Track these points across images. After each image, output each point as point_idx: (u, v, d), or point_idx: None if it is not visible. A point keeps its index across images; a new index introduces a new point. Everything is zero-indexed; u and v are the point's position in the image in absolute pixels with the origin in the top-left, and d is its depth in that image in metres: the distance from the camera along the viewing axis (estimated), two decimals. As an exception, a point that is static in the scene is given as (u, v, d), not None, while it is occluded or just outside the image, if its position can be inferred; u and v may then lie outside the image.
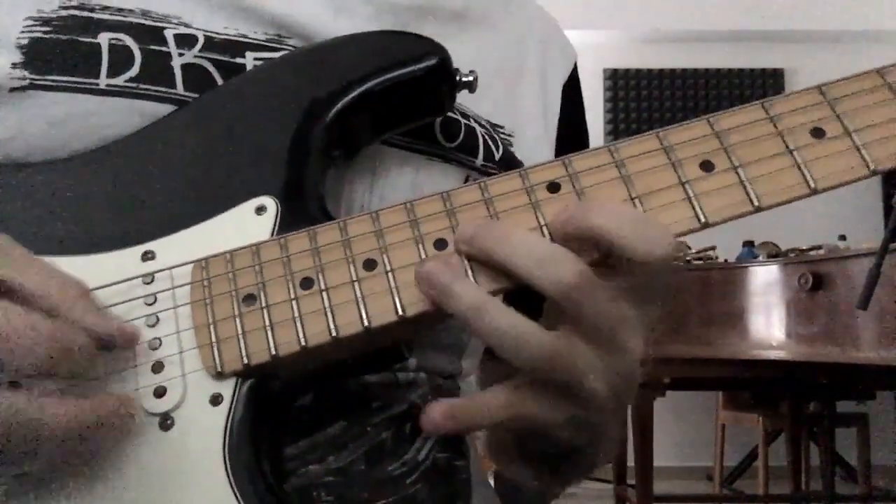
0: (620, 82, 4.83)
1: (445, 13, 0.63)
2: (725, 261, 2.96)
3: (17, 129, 0.51)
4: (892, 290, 1.84)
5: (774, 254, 3.04)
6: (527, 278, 0.42)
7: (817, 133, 0.45)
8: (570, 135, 0.72)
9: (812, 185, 0.44)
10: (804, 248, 2.79)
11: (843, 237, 3.49)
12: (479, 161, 0.61)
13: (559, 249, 0.42)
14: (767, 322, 2.29)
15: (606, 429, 0.47)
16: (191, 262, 0.47)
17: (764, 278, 2.33)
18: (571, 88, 0.75)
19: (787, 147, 0.45)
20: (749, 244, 3.23)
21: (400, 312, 0.44)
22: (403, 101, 0.55)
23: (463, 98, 0.61)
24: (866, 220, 4.36)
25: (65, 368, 0.39)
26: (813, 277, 2.11)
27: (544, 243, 0.43)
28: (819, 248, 2.78)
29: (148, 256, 0.48)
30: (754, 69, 4.79)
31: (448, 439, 0.59)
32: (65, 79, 0.52)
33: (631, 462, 2.87)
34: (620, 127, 4.79)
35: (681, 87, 4.82)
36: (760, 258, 3.03)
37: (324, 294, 0.45)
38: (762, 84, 4.77)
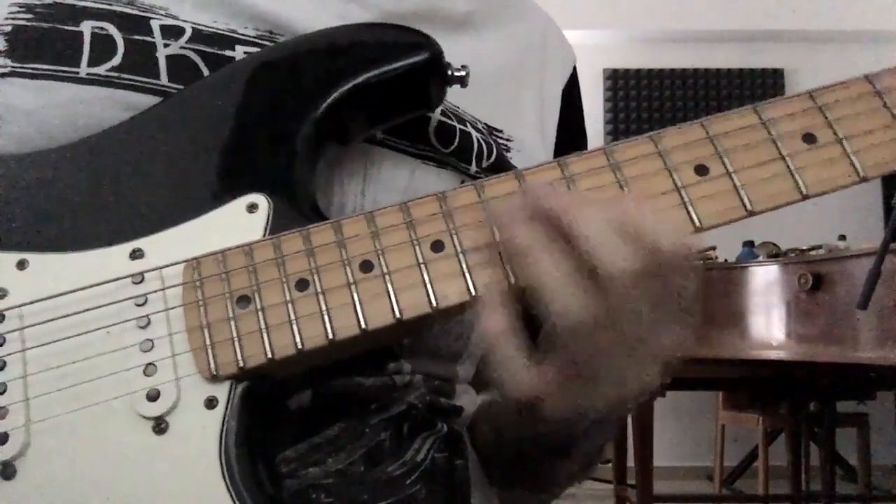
0: (620, 82, 4.83)
1: (445, 19, 0.62)
2: (725, 261, 2.96)
3: None
4: (892, 290, 1.84)
5: (774, 254, 3.04)
6: (591, 250, 0.40)
7: (809, 139, 0.46)
8: (569, 138, 0.72)
9: (804, 191, 0.45)
10: (804, 248, 2.79)
11: (843, 237, 3.49)
12: (474, 168, 0.61)
13: (625, 234, 0.41)
14: (767, 322, 2.29)
15: (605, 429, 0.47)
16: (182, 262, 0.46)
17: (764, 278, 2.33)
18: (570, 92, 0.74)
19: (779, 153, 0.45)
20: (749, 244, 3.22)
21: (397, 315, 0.44)
22: (394, 94, 0.54)
23: (462, 101, 0.60)
24: (866, 220, 4.35)
25: None
26: (813, 277, 2.11)
27: (615, 223, 0.41)
28: (819, 248, 2.78)
29: (136, 255, 0.46)
30: (754, 69, 4.78)
31: (447, 439, 0.59)
32: (44, 67, 0.50)
33: (631, 462, 2.87)
34: (620, 127, 4.79)
35: (681, 87, 4.81)
36: (760, 258, 3.02)
37: (320, 297, 0.44)
38: (762, 84, 4.77)
